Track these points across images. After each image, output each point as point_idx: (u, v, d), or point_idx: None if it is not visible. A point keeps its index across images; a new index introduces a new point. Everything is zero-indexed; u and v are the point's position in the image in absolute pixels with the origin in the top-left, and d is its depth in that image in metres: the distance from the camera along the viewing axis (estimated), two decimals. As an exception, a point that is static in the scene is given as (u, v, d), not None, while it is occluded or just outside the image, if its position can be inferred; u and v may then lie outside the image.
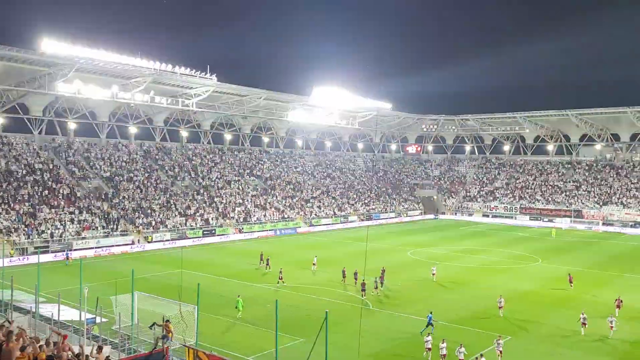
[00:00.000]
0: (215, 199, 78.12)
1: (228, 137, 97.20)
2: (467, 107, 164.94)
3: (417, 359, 27.01)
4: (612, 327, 30.51)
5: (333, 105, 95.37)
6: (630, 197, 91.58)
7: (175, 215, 70.03)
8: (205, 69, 76.41)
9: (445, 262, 54.25)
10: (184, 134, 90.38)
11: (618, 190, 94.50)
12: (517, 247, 66.06)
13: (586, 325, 30.84)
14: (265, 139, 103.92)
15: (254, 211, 79.44)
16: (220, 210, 75.86)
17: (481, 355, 24.94)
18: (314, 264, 49.76)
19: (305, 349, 24.84)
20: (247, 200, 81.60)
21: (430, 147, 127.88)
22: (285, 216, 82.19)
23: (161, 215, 68.57)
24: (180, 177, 79.82)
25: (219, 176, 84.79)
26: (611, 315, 31.40)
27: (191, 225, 69.81)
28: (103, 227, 61.91)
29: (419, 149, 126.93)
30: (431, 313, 31.49)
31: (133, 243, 61.89)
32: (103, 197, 67.51)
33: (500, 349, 26.00)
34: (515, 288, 43.01)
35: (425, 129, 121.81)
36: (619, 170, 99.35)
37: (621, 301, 34.95)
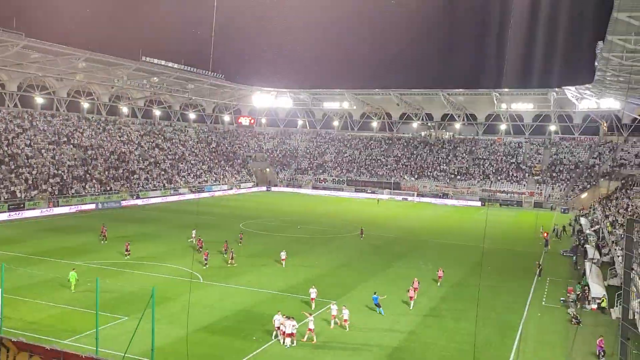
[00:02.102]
0: (24, 170, 69.90)
1: (40, 100, 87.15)
2: (300, 82, 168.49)
3: (246, 330, 27.01)
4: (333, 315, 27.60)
5: (163, 72, 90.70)
6: (440, 171, 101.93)
7: (-25, 188, 61.33)
8: (12, 23, 67.24)
9: (276, 234, 55.20)
10: (-15, 95, 79.09)
11: (430, 164, 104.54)
12: (343, 217, 69.70)
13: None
14: (85, 105, 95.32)
15: (72, 183, 72.79)
16: (30, 182, 68.14)
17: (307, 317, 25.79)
18: (192, 237, 47.87)
19: (131, 326, 23.41)
20: (64, 171, 74.40)
21: (263, 120, 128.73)
22: (109, 188, 76.71)
23: (-44, 188, 59.55)
24: (-19, 144, 69.81)
25: (28, 144, 75.85)
26: (333, 303, 28.68)
27: (-5, 199, 61.76)
28: None
29: (252, 121, 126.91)
30: (375, 293, 30.80)
31: None
32: None
33: (334, 312, 27.42)
34: (340, 256, 45.34)
35: (258, 102, 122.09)
36: (432, 147, 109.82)
37: (442, 271, 37.42)
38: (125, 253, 41.89)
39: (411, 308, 31.04)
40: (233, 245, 45.49)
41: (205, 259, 39.86)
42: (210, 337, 26.00)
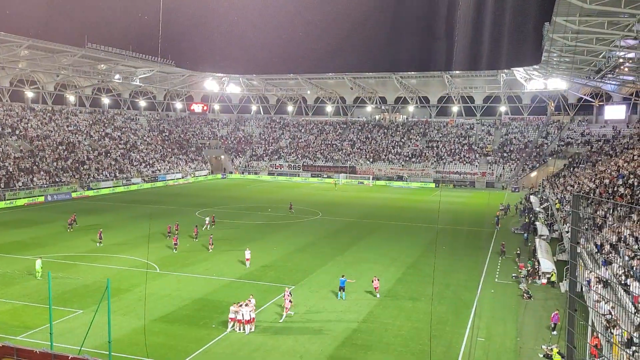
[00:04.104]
0: (-33, 163, 66.84)
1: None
2: (253, 68, 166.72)
3: (205, 318, 26.84)
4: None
5: (110, 59, 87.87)
6: (395, 154, 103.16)
7: None
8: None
9: (232, 220, 54.76)
10: None
11: (385, 148, 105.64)
12: (300, 202, 69.79)
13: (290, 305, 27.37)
14: (29, 94, 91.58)
15: (19, 175, 70.07)
16: (-26, 175, 65.23)
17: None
18: (206, 224, 49.51)
19: (86, 320, 22.92)
20: (9, 164, 71.50)
21: (216, 107, 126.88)
22: (58, 180, 74.23)
23: None
24: None
25: (-29, 136, 72.49)
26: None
27: None
28: None
29: (205, 108, 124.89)
30: (343, 277, 30.52)
31: None
32: None
33: (290, 298, 27.35)
34: (297, 241, 45.47)
35: (210, 88, 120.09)
36: (386, 130, 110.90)
37: (378, 280, 31.30)
38: (98, 240, 42.27)
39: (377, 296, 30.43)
40: (207, 230, 47.41)
41: (175, 244, 40.91)
42: (169, 326, 25.71)
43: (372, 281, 31.33)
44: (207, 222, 49.93)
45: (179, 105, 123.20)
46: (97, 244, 42.07)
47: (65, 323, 25.45)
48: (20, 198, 66.07)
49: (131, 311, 27.13)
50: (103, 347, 20.88)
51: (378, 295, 30.41)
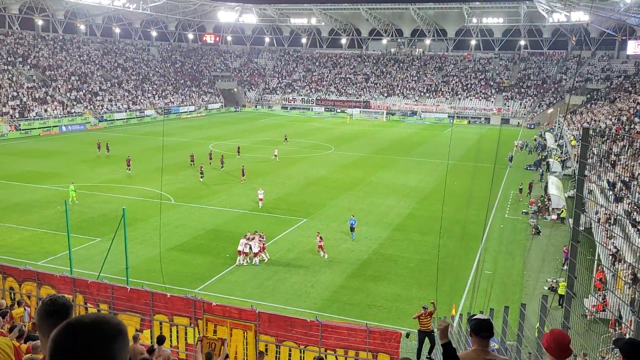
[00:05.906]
0: (-18, 92, 67.07)
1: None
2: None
3: (219, 247, 27.59)
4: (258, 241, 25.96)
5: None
6: (410, 89, 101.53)
7: None
8: None
9: (246, 154, 55.02)
10: None
11: (400, 82, 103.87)
12: (313, 136, 69.75)
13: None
14: (40, 22, 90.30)
15: (33, 105, 70.36)
16: (-11, 105, 65.60)
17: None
18: (275, 155, 51.61)
19: (104, 248, 23.67)
20: (23, 93, 71.64)
21: (229, 38, 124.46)
22: (72, 111, 74.49)
23: None
24: None
25: (-17, 65, 72.30)
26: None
27: (-48, 123, 59.53)
28: None
29: (217, 39, 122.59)
30: (353, 217, 30.27)
31: None
32: None
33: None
34: (310, 175, 45.82)
35: (223, 18, 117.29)
36: (401, 64, 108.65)
37: (321, 238, 27.29)
38: (127, 168, 44.41)
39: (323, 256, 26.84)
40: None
41: (201, 173, 42.31)
42: (183, 255, 26.53)
43: (317, 238, 27.31)
44: (275, 153, 51.98)
45: (190, 35, 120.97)
46: (127, 171, 44.02)
47: (84, 250, 26.33)
48: (35, 128, 66.62)
49: (147, 240, 27.94)
50: (121, 273, 21.66)
51: (323, 254, 26.69)
